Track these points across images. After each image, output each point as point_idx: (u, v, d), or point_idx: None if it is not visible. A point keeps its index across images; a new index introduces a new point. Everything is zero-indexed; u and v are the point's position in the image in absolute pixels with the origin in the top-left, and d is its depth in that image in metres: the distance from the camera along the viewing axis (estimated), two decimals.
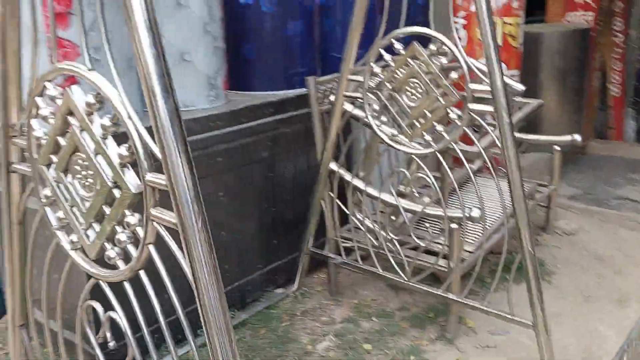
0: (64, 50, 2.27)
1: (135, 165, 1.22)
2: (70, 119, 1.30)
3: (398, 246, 2.74)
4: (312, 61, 3.13)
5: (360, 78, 2.61)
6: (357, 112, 2.70)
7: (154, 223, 1.21)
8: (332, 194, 2.94)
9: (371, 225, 2.83)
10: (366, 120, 2.63)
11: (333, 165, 2.87)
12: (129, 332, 1.41)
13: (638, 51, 5.66)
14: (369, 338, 2.81)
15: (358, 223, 2.94)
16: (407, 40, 2.44)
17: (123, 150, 1.22)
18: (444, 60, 2.37)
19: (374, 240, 2.82)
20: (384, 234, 2.78)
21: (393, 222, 2.94)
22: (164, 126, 1.10)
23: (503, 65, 3.77)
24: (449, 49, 2.33)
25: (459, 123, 2.40)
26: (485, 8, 2.14)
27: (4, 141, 1.59)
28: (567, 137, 3.54)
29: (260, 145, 2.95)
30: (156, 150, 1.16)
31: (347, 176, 2.84)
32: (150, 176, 1.18)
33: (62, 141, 1.34)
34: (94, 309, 1.52)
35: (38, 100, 1.40)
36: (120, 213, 1.26)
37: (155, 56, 1.10)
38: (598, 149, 5.70)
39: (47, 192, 1.42)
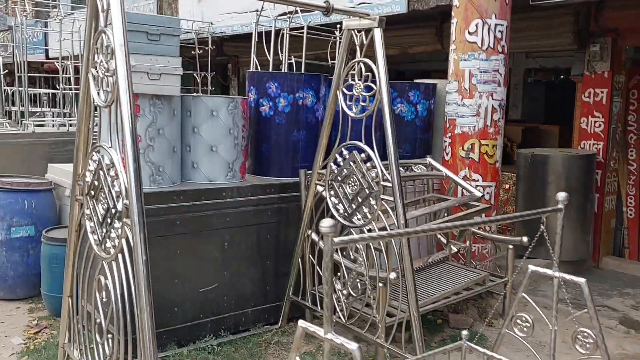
0: None
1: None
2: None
3: (342, 297, 3.71)
4: (310, 158, 4.31)
5: (324, 172, 3.75)
6: (323, 193, 3.81)
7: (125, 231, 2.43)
8: (310, 256, 4.01)
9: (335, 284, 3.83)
10: (328, 200, 3.73)
11: (308, 231, 3.96)
12: (112, 291, 2.60)
13: None
14: None
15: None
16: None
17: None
18: (368, 164, 3.44)
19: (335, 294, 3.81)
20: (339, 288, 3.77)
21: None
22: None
23: (478, 175, 4.75)
24: (372, 157, 3.41)
25: (375, 206, 3.42)
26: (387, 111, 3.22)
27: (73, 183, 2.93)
28: (518, 239, 4.32)
29: (262, 214, 4.13)
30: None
31: (315, 237, 3.91)
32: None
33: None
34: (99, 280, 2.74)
35: None
36: (108, 224, 2.50)
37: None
38: (610, 265, 6.18)
39: (87, 211, 2.71)
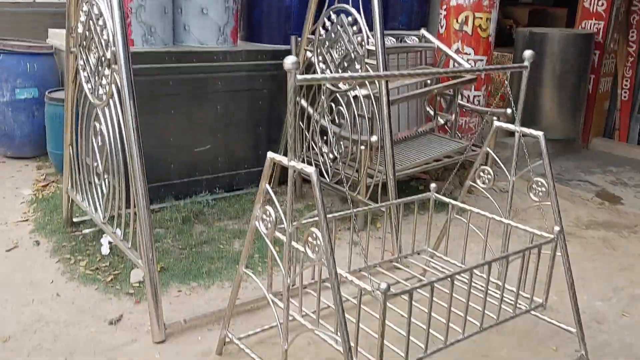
0: None
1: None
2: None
3: (328, 160, 3.93)
4: (302, 25, 4.35)
5: (313, 37, 3.83)
6: (312, 58, 3.92)
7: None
8: (300, 122, 4.18)
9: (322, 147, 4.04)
10: (316, 65, 3.84)
11: (297, 98, 4.11)
12: (106, 135, 2.81)
13: None
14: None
15: (314, 145, 4.16)
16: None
17: None
18: (354, 28, 3.51)
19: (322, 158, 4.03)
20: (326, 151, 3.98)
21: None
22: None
23: (471, 49, 4.81)
24: (358, 20, 3.47)
25: (360, 71, 3.54)
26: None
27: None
28: (501, 110, 4.45)
29: (254, 80, 4.26)
30: None
31: (304, 104, 4.07)
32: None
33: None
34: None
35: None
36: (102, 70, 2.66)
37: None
38: (599, 146, 6.35)
39: (80, 62, 2.86)
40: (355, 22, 3.52)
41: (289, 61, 1.89)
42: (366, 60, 3.50)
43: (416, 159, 4.21)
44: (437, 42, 4.69)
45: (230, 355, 2.53)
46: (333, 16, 3.66)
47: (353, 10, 3.52)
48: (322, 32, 3.75)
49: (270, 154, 2.11)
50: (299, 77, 1.92)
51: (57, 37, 5.13)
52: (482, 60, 4.90)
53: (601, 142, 6.39)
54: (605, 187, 5.19)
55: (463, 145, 4.52)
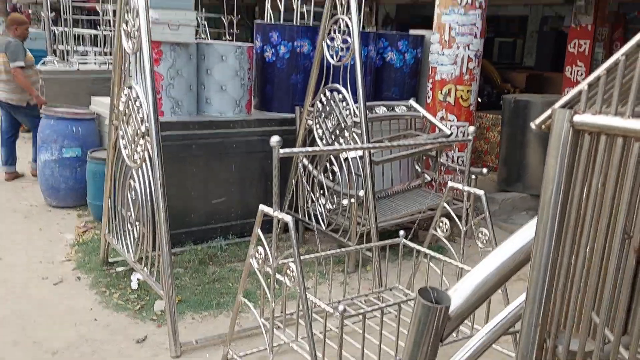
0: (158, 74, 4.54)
1: None
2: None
3: (325, 211, 4.61)
4: (305, 96, 5.12)
5: (312, 109, 4.59)
6: (312, 127, 4.66)
7: (146, 145, 3.36)
8: (302, 178, 4.89)
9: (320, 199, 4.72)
10: (315, 132, 4.58)
11: (300, 157, 4.84)
12: (139, 191, 3.55)
13: None
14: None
15: (314, 198, 4.85)
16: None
17: None
18: (344, 103, 4.25)
19: (319, 208, 4.71)
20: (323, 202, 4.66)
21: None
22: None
23: (454, 116, 5.50)
24: (347, 97, 4.21)
25: (348, 138, 4.25)
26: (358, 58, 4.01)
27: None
28: (479, 170, 5.09)
29: (264, 143, 4.98)
30: None
31: (306, 162, 4.79)
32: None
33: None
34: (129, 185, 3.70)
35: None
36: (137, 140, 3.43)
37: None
38: None
39: (120, 132, 3.64)
40: (344, 98, 4.27)
41: (274, 140, 2.60)
42: (353, 129, 4.22)
43: (402, 211, 4.86)
44: (422, 111, 5.41)
45: None
46: (328, 93, 4.42)
47: (343, 89, 4.27)
48: (319, 105, 4.51)
49: (261, 206, 2.80)
50: (281, 151, 2.63)
51: (98, 105, 6.00)
52: (464, 125, 5.59)
53: None
54: None
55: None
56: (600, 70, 0.93)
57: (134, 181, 3.63)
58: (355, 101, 4.21)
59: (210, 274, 4.31)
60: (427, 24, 9.14)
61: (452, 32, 5.37)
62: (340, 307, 2.48)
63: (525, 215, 6.29)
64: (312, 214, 4.78)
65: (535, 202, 6.52)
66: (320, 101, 4.49)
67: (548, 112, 1.00)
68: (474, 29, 5.38)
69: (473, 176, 5.22)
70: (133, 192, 3.69)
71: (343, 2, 4.18)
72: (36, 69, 6.87)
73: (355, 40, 4.09)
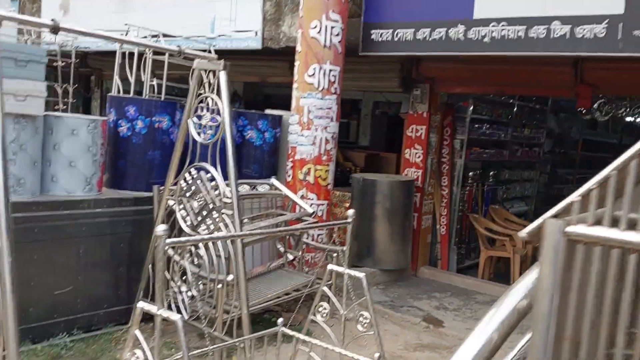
0: None
1: None
2: None
3: (186, 298, 4.29)
4: (163, 175, 4.85)
5: (174, 188, 4.34)
6: (174, 207, 4.39)
7: None
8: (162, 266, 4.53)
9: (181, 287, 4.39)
10: (177, 213, 4.30)
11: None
12: None
13: (459, 203, 7.51)
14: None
15: (174, 285, 4.50)
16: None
17: None
18: (213, 183, 4.08)
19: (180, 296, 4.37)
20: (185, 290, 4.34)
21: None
22: None
23: (314, 195, 5.54)
24: (216, 177, 4.06)
25: (217, 220, 4.06)
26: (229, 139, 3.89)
27: None
28: (338, 248, 5.17)
29: (117, 224, 4.59)
30: None
31: (170, 251, 4.45)
32: None
33: None
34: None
35: None
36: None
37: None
38: (426, 274, 7.34)
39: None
40: (213, 178, 4.10)
41: (160, 229, 2.36)
42: (223, 210, 4.05)
43: (268, 293, 4.71)
44: (285, 190, 5.41)
45: None
46: (194, 171, 4.22)
47: (211, 169, 4.11)
48: (183, 184, 4.27)
49: (140, 304, 2.50)
50: (168, 240, 2.39)
51: None
52: (323, 204, 5.70)
53: (427, 270, 7.41)
54: (430, 311, 6.03)
55: (309, 279, 5.13)
56: (592, 183, 0.96)
57: None
58: (225, 179, 4.07)
59: None
60: (270, 102, 9.44)
61: (310, 115, 5.54)
62: None
63: (376, 290, 6.48)
64: (170, 302, 4.42)
65: (385, 277, 6.79)
66: (185, 180, 4.27)
67: (539, 222, 0.99)
68: (331, 113, 5.61)
69: (334, 254, 5.30)
70: None
71: (211, 81, 4.10)
72: None
73: (225, 120, 3.99)
